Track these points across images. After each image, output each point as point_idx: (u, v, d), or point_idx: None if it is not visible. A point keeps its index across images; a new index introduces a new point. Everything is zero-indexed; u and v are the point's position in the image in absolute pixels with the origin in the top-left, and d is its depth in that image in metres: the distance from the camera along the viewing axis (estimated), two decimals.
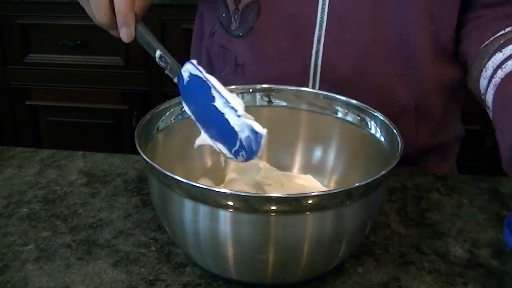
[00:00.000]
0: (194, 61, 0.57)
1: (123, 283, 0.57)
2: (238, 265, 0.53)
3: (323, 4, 0.74)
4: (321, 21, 0.75)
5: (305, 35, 0.76)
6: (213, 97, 0.55)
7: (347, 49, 0.75)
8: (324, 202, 0.49)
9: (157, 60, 0.60)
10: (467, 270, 0.59)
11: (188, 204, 0.51)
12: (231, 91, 0.67)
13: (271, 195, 0.50)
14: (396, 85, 0.78)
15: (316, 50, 0.76)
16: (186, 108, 0.59)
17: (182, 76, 0.58)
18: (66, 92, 1.82)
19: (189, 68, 0.57)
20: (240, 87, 0.68)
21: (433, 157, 0.85)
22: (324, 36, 0.75)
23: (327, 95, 0.67)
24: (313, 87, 0.77)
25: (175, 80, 0.59)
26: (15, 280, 0.57)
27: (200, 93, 0.56)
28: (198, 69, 0.56)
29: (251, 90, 0.68)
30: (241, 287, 0.57)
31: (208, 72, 0.86)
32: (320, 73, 0.77)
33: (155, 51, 0.60)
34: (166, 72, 0.60)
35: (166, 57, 0.60)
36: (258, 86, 0.69)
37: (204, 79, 0.55)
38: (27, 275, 0.58)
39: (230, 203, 0.48)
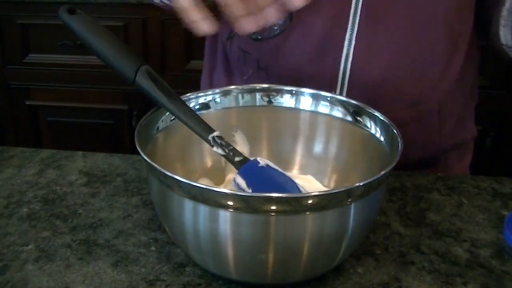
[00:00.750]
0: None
1: (123, 283, 0.57)
2: (238, 265, 0.53)
3: (356, 5, 0.73)
4: (353, 23, 0.73)
5: (336, 38, 0.74)
6: (290, 177, 0.62)
7: (378, 52, 0.74)
8: (324, 202, 0.49)
9: (210, 142, 0.59)
10: (467, 270, 0.59)
11: (188, 204, 0.51)
12: (230, 90, 0.68)
13: (271, 195, 0.50)
14: (424, 87, 0.77)
15: (346, 52, 0.74)
16: (240, 180, 0.59)
17: (257, 162, 0.60)
18: (66, 92, 1.82)
19: (267, 161, 0.61)
20: (240, 87, 0.68)
21: (451, 157, 0.85)
22: (356, 39, 0.74)
23: (327, 95, 0.67)
24: (341, 91, 0.76)
25: (237, 161, 0.60)
26: (15, 280, 0.57)
27: (274, 172, 0.61)
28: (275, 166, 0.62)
29: (251, 90, 0.68)
30: (241, 287, 0.57)
31: (226, 77, 0.85)
32: (349, 77, 0.75)
33: (210, 133, 0.59)
34: (219, 152, 0.59)
35: (225, 141, 0.60)
36: (258, 86, 0.69)
37: (282, 172, 0.62)
38: (27, 275, 0.58)
39: (230, 203, 0.48)
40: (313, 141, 0.69)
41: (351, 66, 0.75)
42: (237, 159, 0.60)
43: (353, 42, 0.74)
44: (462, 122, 0.84)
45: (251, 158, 0.61)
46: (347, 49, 0.74)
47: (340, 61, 0.75)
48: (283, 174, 0.61)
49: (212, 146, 0.59)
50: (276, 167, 0.62)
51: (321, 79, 0.76)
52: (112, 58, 0.61)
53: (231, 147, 0.60)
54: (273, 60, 0.78)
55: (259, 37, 0.77)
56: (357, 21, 0.73)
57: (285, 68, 0.77)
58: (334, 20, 0.74)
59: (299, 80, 0.76)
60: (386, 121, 0.61)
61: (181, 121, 0.60)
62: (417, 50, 0.75)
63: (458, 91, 0.81)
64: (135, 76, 0.61)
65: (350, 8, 0.73)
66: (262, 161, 0.61)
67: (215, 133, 0.59)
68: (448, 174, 0.78)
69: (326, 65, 0.76)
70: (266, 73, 0.79)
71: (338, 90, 0.76)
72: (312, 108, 0.68)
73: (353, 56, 0.74)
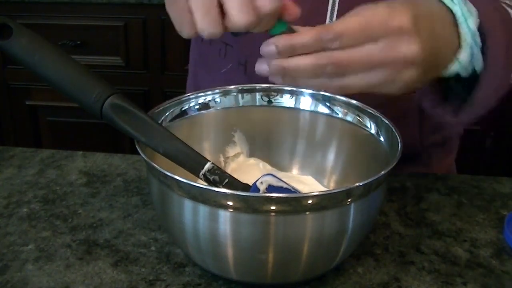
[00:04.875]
0: (273, 174, 0.57)
1: (123, 283, 0.57)
2: (238, 265, 0.53)
3: (333, 0, 0.72)
4: (331, 18, 0.73)
5: None
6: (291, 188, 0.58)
7: None
8: (324, 202, 0.49)
9: (204, 173, 0.54)
10: (467, 270, 0.60)
11: (188, 204, 0.51)
12: (230, 90, 0.68)
13: (271, 195, 0.50)
14: None
15: None
16: None
17: (257, 188, 0.56)
18: None
19: (268, 180, 0.56)
20: (239, 87, 0.68)
21: (435, 153, 0.85)
22: None
23: (327, 95, 0.67)
24: None
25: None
26: (15, 280, 0.57)
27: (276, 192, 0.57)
28: (280, 180, 0.57)
29: (251, 90, 0.68)
30: (241, 287, 0.57)
31: (206, 72, 0.85)
32: None
33: (204, 165, 0.55)
34: (216, 183, 0.55)
35: (220, 170, 0.55)
36: (258, 86, 0.69)
37: (290, 188, 0.57)
38: (27, 275, 0.58)
39: (230, 203, 0.48)
40: (313, 141, 0.69)
41: None
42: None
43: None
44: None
45: (251, 182, 0.57)
46: None
47: None
48: (287, 189, 0.58)
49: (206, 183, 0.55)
50: (279, 183, 0.58)
51: None
52: (69, 88, 0.53)
53: (227, 179, 0.56)
54: (253, 55, 0.78)
55: (238, 32, 0.77)
56: (334, 16, 0.73)
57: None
58: (312, 15, 0.74)
59: None
60: (386, 121, 0.61)
61: (166, 157, 0.55)
62: None
63: None
64: (101, 110, 0.53)
65: (328, 3, 0.73)
66: (263, 184, 0.56)
67: (206, 167, 0.55)
68: (448, 174, 0.78)
69: None
70: (245, 67, 0.78)
71: None
72: (312, 108, 0.68)
73: None
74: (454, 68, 0.55)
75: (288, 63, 0.50)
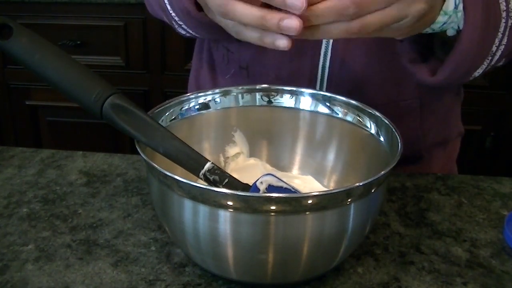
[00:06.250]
0: (273, 174, 0.57)
1: (123, 283, 0.57)
2: (238, 265, 0.53)
3: None
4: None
5: None
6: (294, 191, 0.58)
7: (357, 49, 0.75)
8: (324, 202, 0.49)
9: (204, 173, 0.54)
10: (467, 270, 0.60)
11: (188, 204, 0.51)
12: (230, 90, 0.68)
13: (271, 195, 0.50)
14: (403, 84, 0.77)
15: (325, 50, 0.75)
16: None
17: (257, 188, 0.56)
18: None
19: (268, 180, 0.56)
20: (240, 87, 0.68)
21: (436, 153, 0.85)
22: None
23: (327, 95, 0.67)
24: (321, 87, 0.77)
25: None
26: (15, 280, 0.57)
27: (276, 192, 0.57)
28: (280, 179, 0.57)
29: (251, 90, 0.68)
30: (241, 287, 0.57)
31: (211, 77, 0.85)
32: (328, 73, 0.76)
33: (204, 165, 0.55)
34: (216, 183, 0.55)
35: (220, 169, 0.55)
36: (258, 86, 0.69)
37: (290, 188, 0.57)
38: (27, 275, 0.58)
39: (230, 203, 0.48)
40: (313, 141, 0.69)
41: (330, 63, 0.75)
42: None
43: (331, 39, 0.74)
44: (446, 119, 0.84)
45: (251, 182, 0.57)
46: (326, 46, 0.75)
47: (319, 58, 0.75)
48: (287, 189, 0.58)
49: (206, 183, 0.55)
50: (279, 183, 0.57)
51: (301, 76, 0.76)
52: (69, 88, 0.53)
53: (227, 179, 0.56)
54: (254, 59, 0.78)
55: None
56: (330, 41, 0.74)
57: (265, 67, 0.78)
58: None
59: (279, 78, 0.76)
60: (386, 121, 0.61)
61: (166, 157, 0.55)
62: (393, 46, 0.75)
63: (442, 89, 0.81)
64: (101, 110, 0.53)
65: None
66: (263, 184, 0.56)
67: (206, 167, 0.55)
68: (448, 174, 0.78)
69: (305, 62, 0.76)
70: (247, 71, 0.79)
71: (318, 88, 0.77)
72: (312, 108, 0.68)
73: (331, 53, 0.75)
74: (441, 19, 0.61)
75: (312, 9, 0.51)
